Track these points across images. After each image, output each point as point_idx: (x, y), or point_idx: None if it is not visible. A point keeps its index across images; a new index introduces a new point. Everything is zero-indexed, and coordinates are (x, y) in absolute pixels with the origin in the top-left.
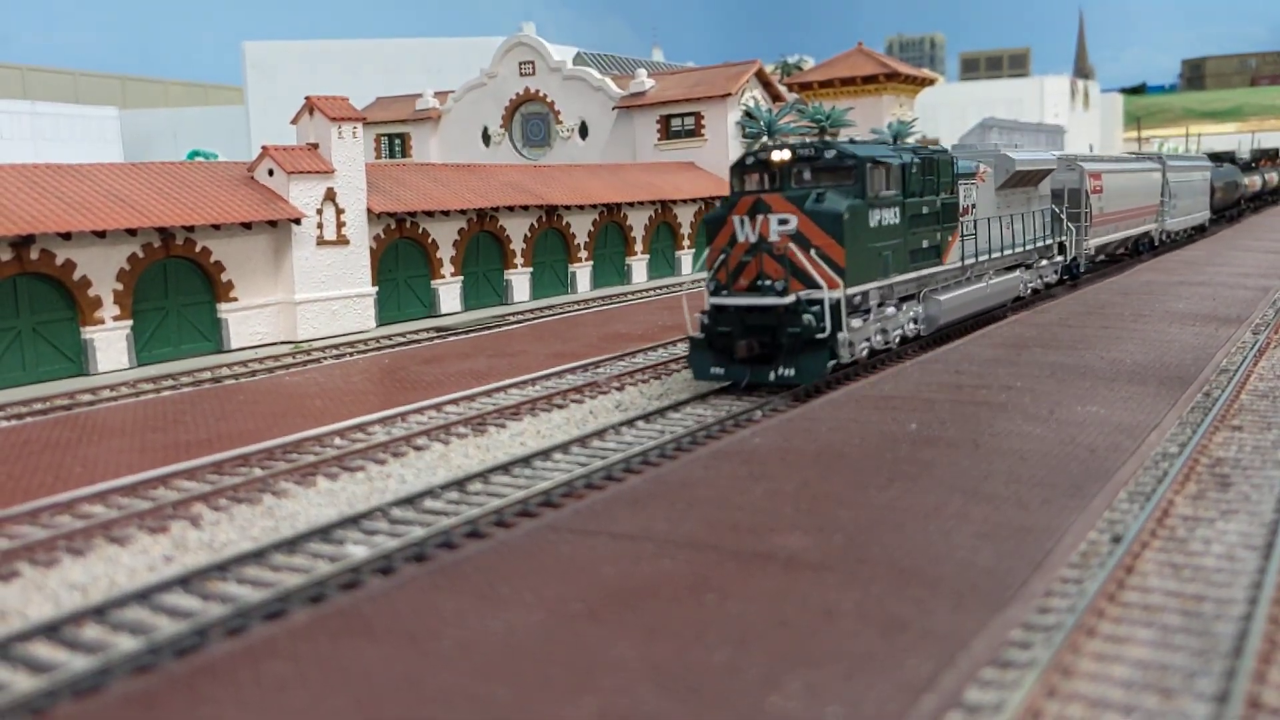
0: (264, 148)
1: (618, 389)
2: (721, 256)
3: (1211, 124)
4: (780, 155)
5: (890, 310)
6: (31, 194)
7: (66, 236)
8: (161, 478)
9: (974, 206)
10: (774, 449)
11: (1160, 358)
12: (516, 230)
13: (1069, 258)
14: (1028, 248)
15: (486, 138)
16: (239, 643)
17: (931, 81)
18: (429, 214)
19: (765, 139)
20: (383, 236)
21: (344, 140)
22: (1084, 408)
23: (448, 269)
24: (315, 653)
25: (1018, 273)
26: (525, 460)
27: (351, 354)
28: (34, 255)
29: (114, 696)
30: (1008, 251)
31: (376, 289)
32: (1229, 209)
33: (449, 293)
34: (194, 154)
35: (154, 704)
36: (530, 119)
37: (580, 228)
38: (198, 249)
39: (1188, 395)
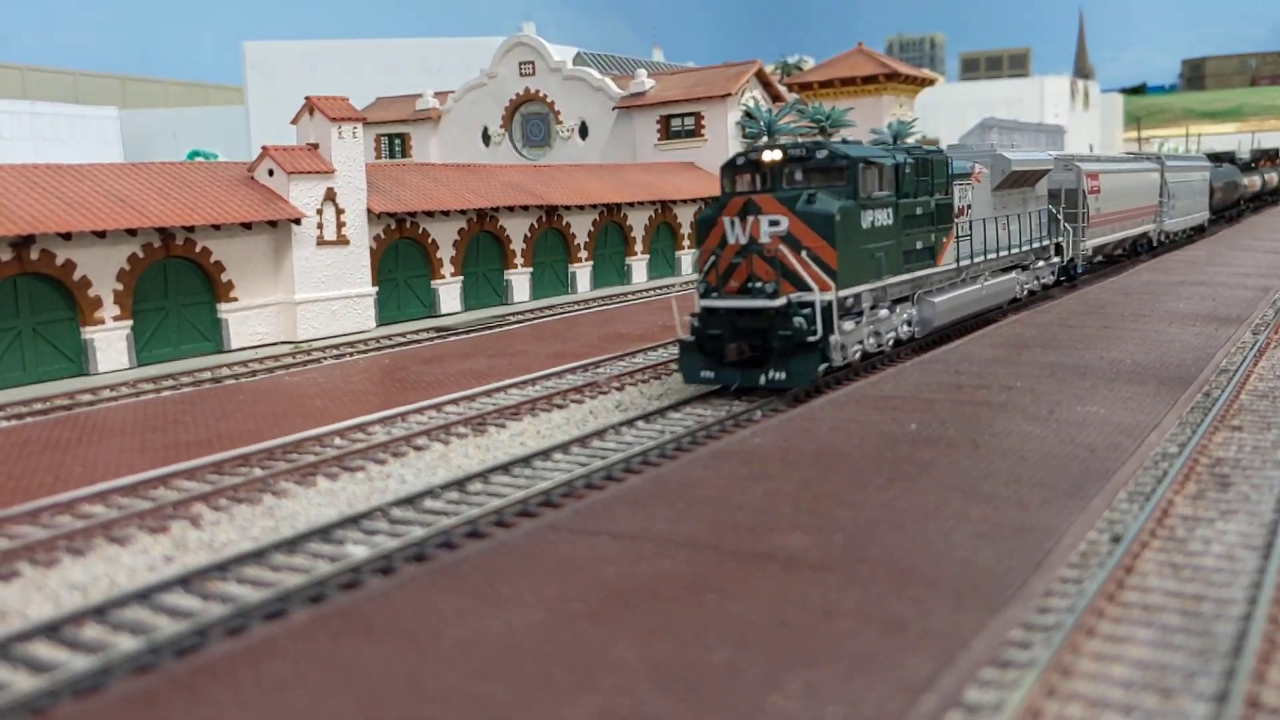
0: (264, 148)
1: (618, 389)
2: (712, 258)
3: (1211, 124)
4: (771, 156)
5: (883, 313)
6: (31, 194)
7: (67, 236)
8: (161, 478)
9: (969, 207)
10: (774, 449)
11: (1160, 358)
12: (516, 230)
13: (1066, 259)
14: (1024, 249)
15: (486, 138)
16: (239, 643)
17: (931, 82)
18: (429, 214)
19: (765, 139)
20: (383, 236)
21: (344, 140)
22: (1084, 408)
23: (448, 269)
24: (315, 653)
25: (1014, 274)
26: (525, 460)
27: (351, 354)
28: (34, 255)
29: (114, 696)
30: (1004, 253)
31: (376, 289)
32: (1228, 209)
33: (449, 293)
34: (194, 154)
35: (154, 704)
36: (530, 119)
37: (580, 228)
38: (198, 249)
39: (1187, 395)
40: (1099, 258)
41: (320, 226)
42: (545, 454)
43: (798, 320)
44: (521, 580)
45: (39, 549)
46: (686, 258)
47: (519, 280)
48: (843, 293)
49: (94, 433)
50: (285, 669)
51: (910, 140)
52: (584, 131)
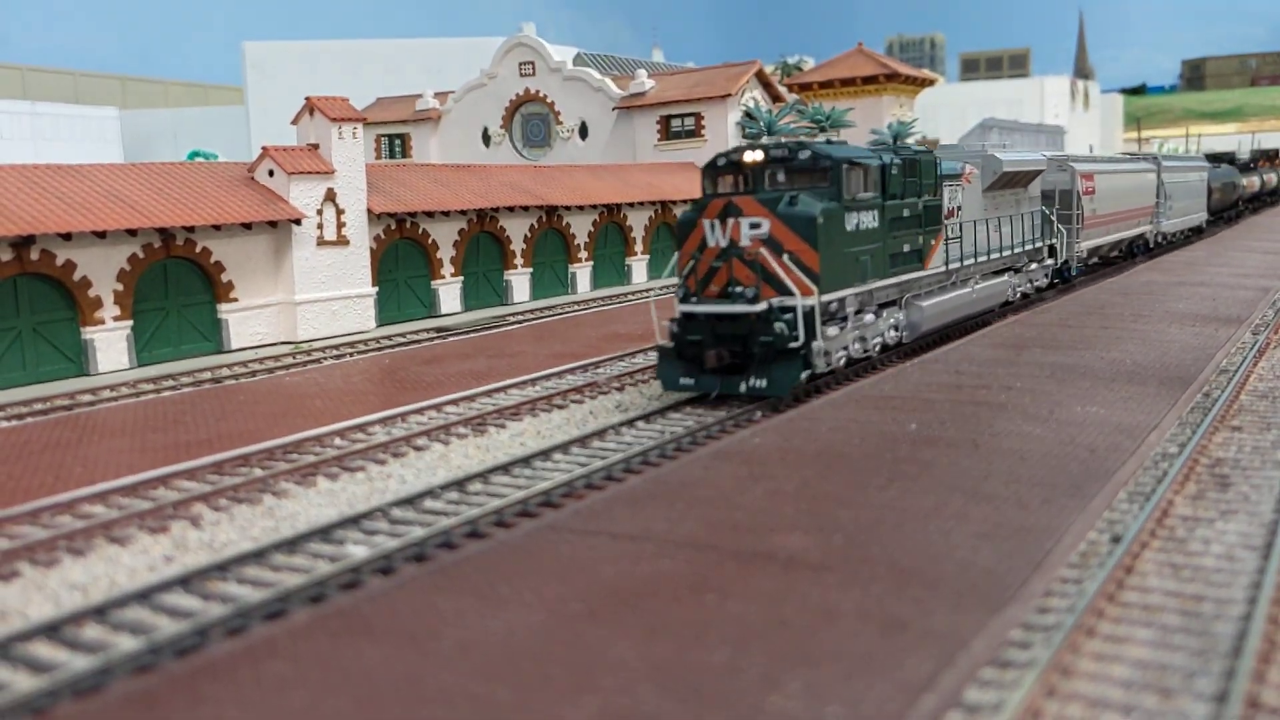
0: (264, 148)
1: (618, 389)
2: (691, 262)
3: (1212, 124)
4: (753, 156)
5: (869, 317)
6: (31, 194)
7: (67, 237)
8: (162, 478)
9: (959, 209)
10: (774, 449)
11: (1160, 358)
12: (517, 231)
13: (1060, 261)
14: (1016, 251)
15: (486, 138)
16: (239, 643)
17: (931, 82)
18: (429, 214)
19: (766, 140)
20: (383, 237)
21: (344, 141)
22: (1084, 408)
23: (448, 269)
24: (315, 652)
25: (1006, 277)
26: (525, 460)
27: (351, 354)
28: (34, 255)
29: (114, 696)
30: (995, 255)
31: (376, 289)
32: (1227, 210)
33: (449, 293)
34: (194, 154)
35: (154, 704)
36: (530, 119)
37: (580, 228)
38: (198, 249)
39: (1187, 395)
40: (1094, 260)
41: (320, 227)
42: (545, 454)
43: (779, 326)
44: (521, 580)
45: (39, 549)
46: None
47: (519, 280)
48: (826, 297)
49: (94, 433)
50: (285, 669)
51: (910, 141)
52: (584, 132)
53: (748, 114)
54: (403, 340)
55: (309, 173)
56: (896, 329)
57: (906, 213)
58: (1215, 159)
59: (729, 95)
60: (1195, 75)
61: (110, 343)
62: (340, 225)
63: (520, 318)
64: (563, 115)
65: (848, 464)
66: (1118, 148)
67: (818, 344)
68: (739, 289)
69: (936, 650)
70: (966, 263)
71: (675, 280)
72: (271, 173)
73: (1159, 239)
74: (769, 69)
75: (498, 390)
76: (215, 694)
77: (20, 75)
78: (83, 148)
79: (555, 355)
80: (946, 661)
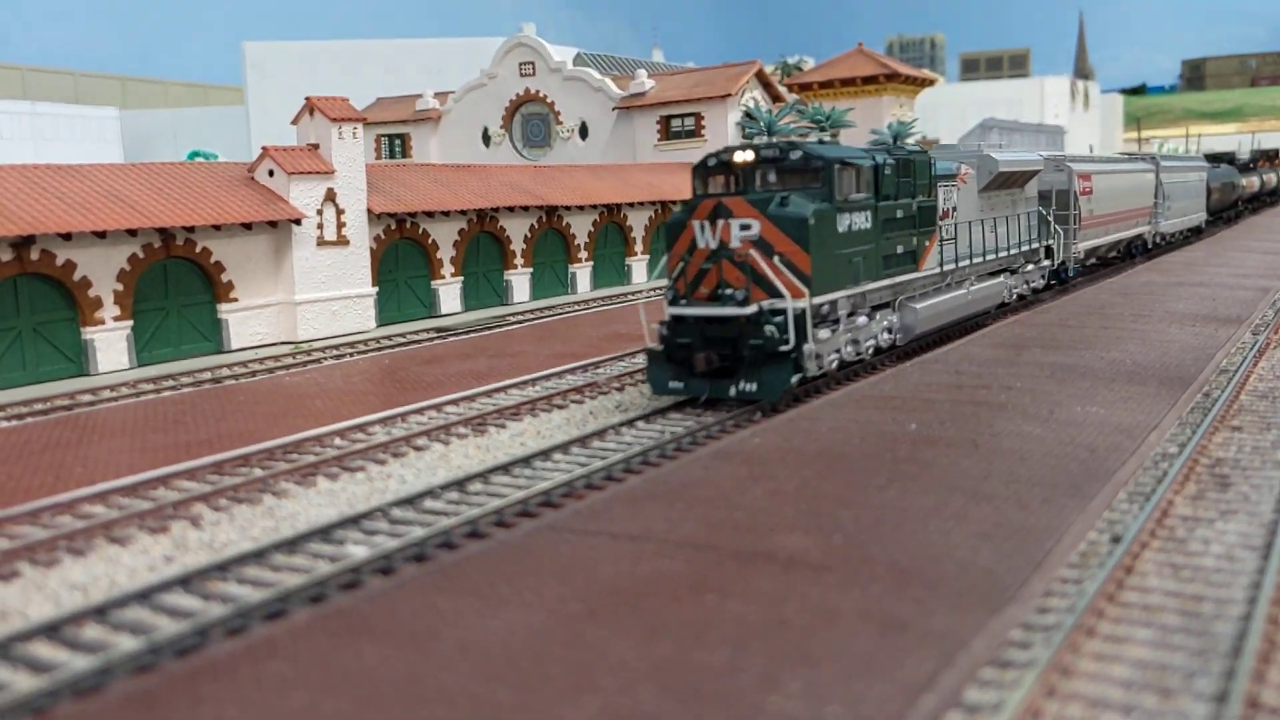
0: (264, 148)
1: (618, 389)
2: (681, 264)
3: (1212, 124)
4: (743, 156)
5: (862, 320)
6: (31, 194)
7: (67, 237)
8: (162, 478)
9: (955, 209)
10: (774, 449)
11: (1160, 358)
12: (517, 231)
13: (1057, 262)
14: (1012, 252)
15: (486, 138)
16: (239, 643)
17: (931, 82)
18: (429, 214)
19: (766, 139)
20: (383, 237)
21: (344, 141)
22: (1084, 408)
23: (448, 269)
24: (315, 652)
25: (1002, 278)
26: (525, 460)
27: (351, 354)
28: (34, 255)
29: (115, 696)
30: (990, 256)
31: (377, 289)
32: (1226, 210)
33: (449, 293)
34: (194, 154)
35: (155, 704)
36: (530, 119)
37: (580, 228)
38: (198, 249)
39: (1187, 396)
40: (1092, 260)
41: (320, 227)
42: (545, 454)
43: (769, 329)
44: (521, 580)
45: (39, 549)
46: None
47: (519, 280)
48: (817, 299)
49: (94, 433)
50: (285, 669)
51: (910, 141)
52: (584, 132)
53: (748, 114)
54: (403, 340)
55: (309, 173)
56: (890, 331)
57: (900, 214)
58: (1215, 159)
59: (729, 95)
60: (1195, 75)
61: (110, 343)
62: (340, 225)
63: (520, 318)
64: (563, 115)
65: (848, 464)
66: (1118, 148)
67: (809, 347)
68: (729, 291)
69: (936, 650)
70: (962, 264)
71: (665, 282)
72: (271, 173)
73: (1157, 240)
74: (769, 69)
75: (498, 390)
76: (215, 694)
77: (20, 75)
78: (83, 148)
79: (555, 355)
80: (946, 661)
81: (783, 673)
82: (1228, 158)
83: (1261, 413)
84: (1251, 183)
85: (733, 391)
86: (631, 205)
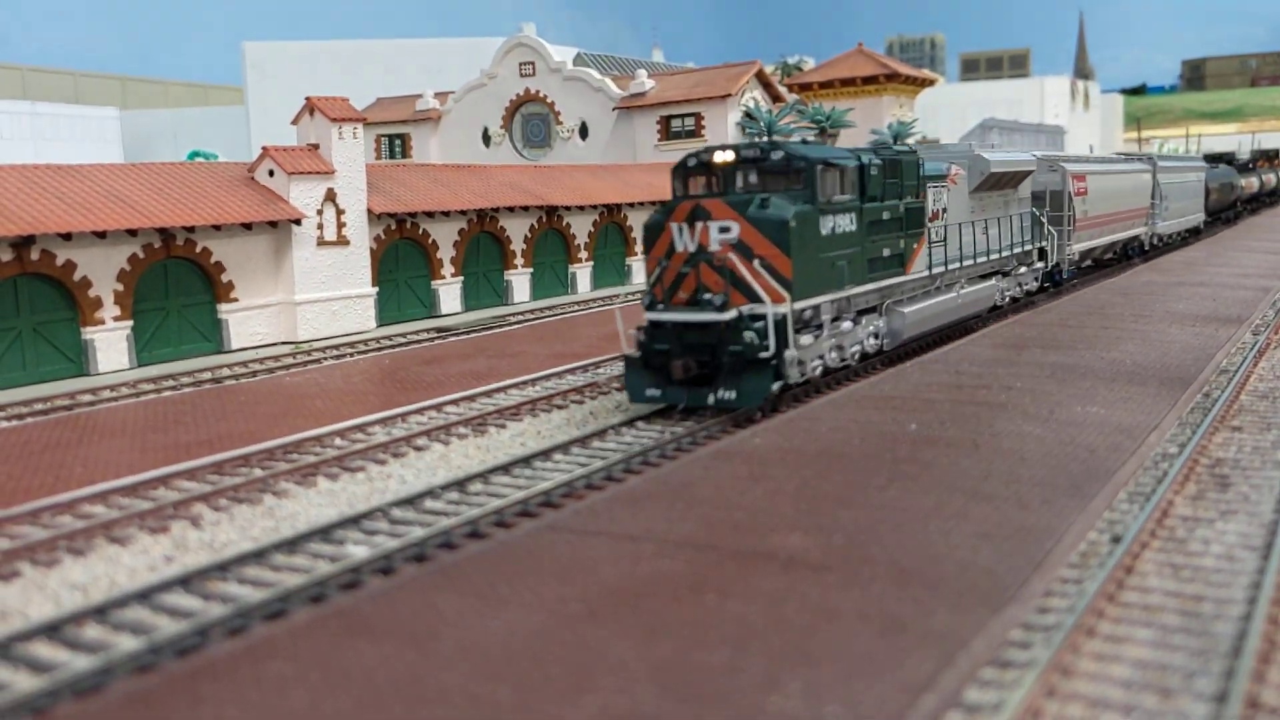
0: (264, 148)
1: (618, 389)
2: (659, 268)
3: (1212, 125)
4: (723, 157)
5: (847, 325)
6: (32, 194)
7: (67, 237)
8: (162, 478)
9: (944, 211)
10: (774, 449)
11: (1160, 358)
12: (517, 231)
13: (1051, 264)
14: (1004, 254)
15: (487, 138)
16: (240, 642)
17: (931, 82)
18: (429, 214)
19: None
20: (383, 237)
21: (344, 141)
22: (1084, 408)
23: (448, 269)
24: (316, 652)
25: (994, 281)
26: (525, 460)
27: (352, 354)
28: (34, 256)
29: (115, 696)
30: (981, 259)
31: (377, 289)
32: (1225, 211)
33: (449, 293)
34: (194, 154)
35: (155, 704)
36: (530, 119)
37: (580, 228)
38: (198, 249)
39: (1187, 396)
40: (1087, 262)
41: (320, 227)
42: (545, 454)
43: (748, 335)
44: (521, 580)
45: (40, 549)
46: None
47: (519, 281)
48: (799, 304)
49: (94, 433)
50: (286, 669)
51: (911, 141)
52: (584, 132)
53: (748, 114)
54: (403, 340)
55: (309, 173)
56: (877, 336)
57: (887, 215)
58: (1214, 159)
59: (729, 95)
60: (1195, 75)
61: (110, 343)
62: (340, 225)
63: (520, 318)
64: (563, 115)
65: (848, 464)
66: (1118, 148)
67: (790, 353)
68: (707, 296)
69: (936, 650)
70: (951, 267)
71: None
72: (272, 173)
73: (1155, 241)
74: (769, 69)
75: (498, 390)
76: (216, 694)
77: (20, 75)
78: (83, 148)
79: (555, 355)
80: (946, 661)
81: (783, 673)
82: (1227, 158)
83: (1261, 413)
84: (1251, 183)
85: (711, 399)
86: (631, 205)
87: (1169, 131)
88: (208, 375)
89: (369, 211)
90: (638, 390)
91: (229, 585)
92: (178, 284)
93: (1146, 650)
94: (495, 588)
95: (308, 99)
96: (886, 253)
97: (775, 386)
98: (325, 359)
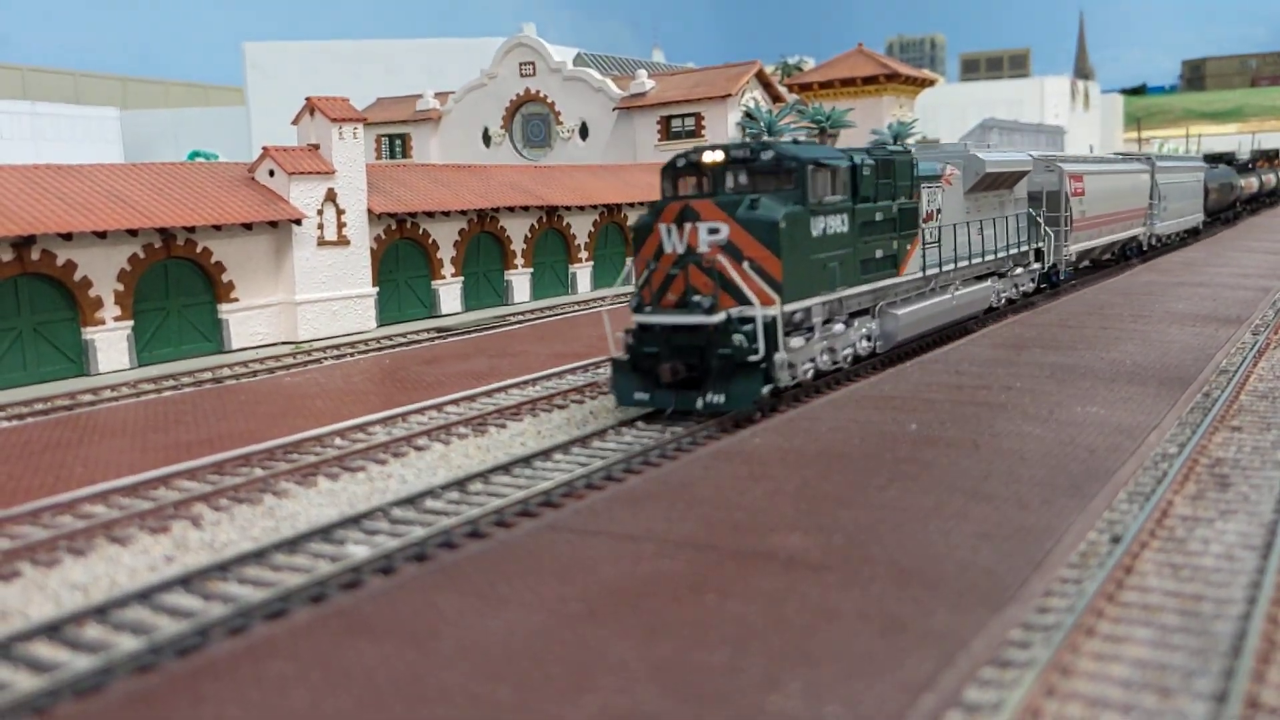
0: (265, 148)
1: None
2: (647, 270)
3: (1212, 125)
4: (713, 157)
5: (839, 327)
6: (32, 194)
7: (67, 237)
8: (162, 478)
9: (939, 212)
10: (774, 449)
11: (1160, 358)
12: (517, 231)
13: (1047, 265)
14: (1000, 255)
15: (487, 138)
16: (240, 642)
17: (932, 82)
18: (429, 214)
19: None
20: (383, 237)
21: (344, 141)
22: (1084, 408)
23: (448, 269)
24: (316, 652)
25: (989, 282)
26: (526, 460)
27: (352, 354)
28: (35, 256)
29: (115, 696)
30: (977, 260)
31: (377, 289)
32: (1224, 211)
33: (449, 293)
34: (195, 155)
35: (155, 703)
36: (530, 120)
37: (580, 228)
38: (198, 249)
39: (1187, 396)
40: (1084, 263)
41: (321, 227)
42: (545, 454)
43: (738, 338)
44: (521, 580)
45: (40, 549)
46: None
47: (519, 281)
48: (789, 307)
49: (95, 433)
50: (286, 668)
51: (910, 141)
52: (584, 132)
53: (748, 114)
54: (403, 340)
55: (309, 173)
56: (869, 339)
57: (880, 216)
58: (1214, 159)
59: (729, 95)
60: (1195, 75)
61: (111, 343)
62: (340, 225)
63: (521, 318)
64: (563, 115)
65: (848, 464)
66: (1118, 148)
67: (780, 356)
68: (696, 298)
69: (936, 650)
70: (946, 268)
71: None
72: (272, 173)
73: (1153, 241)
74: (769, 69)
75: (498, 390)
76: (216, 694)
77: (20, 75)
78: (83, 148)
79: (556, 355)
80: (946, 661)
81: (783, 673)
82: (1227, 158)
83: (1261, 413)
84: (1250, 183)
85: (700, 403)
86: (632, 205)
87: (1169, 132)
88: (208, 375)
89: (369, 211)
90: (625, 393)
91: (229, 585)
92: (178, 284)
93: (1146, 650)
94: (495, 587)
95: (308, 99)
96: (879, 254)
97: (765, 389)
98: (325, 359)
